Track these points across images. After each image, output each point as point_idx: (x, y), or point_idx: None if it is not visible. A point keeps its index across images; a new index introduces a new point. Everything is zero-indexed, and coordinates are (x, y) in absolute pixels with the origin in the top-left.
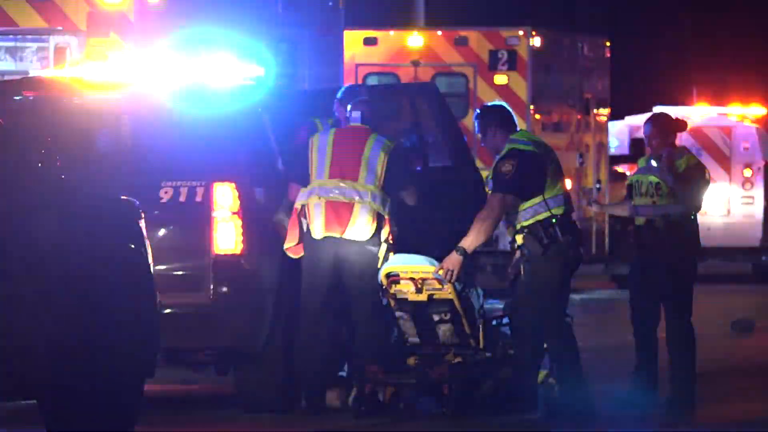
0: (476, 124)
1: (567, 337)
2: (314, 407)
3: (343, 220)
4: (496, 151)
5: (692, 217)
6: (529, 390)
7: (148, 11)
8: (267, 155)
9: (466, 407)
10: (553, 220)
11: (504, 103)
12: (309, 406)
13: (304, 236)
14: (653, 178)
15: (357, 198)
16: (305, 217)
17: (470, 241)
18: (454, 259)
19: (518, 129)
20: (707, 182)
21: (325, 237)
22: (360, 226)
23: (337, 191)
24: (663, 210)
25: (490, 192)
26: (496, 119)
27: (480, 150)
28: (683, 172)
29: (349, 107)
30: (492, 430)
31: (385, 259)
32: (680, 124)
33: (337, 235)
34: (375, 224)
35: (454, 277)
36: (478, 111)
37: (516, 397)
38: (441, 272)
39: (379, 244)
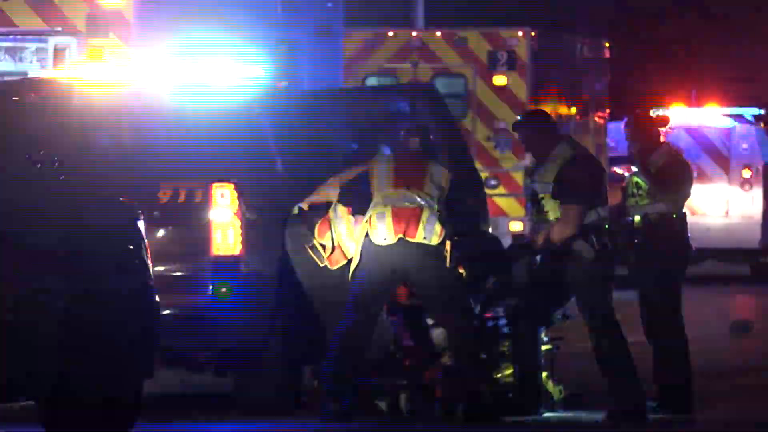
0: (522, 130)
1: (619, 336)
2: (342, 413)
3: (410, 223)
4: (540, 157)
5: (674, 216)
6: (530, 391)
7: (147, 12)
8: (266, 156)
9: (459, 409)
10: (606, 226)
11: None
12: (338, 413)
13: (364, 247)
14: (636, 178)
15: (424, 204)
16: (368, 229)
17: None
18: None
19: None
20: (687, 179)
21: (390, 241)
22: (428, 231)
23: (403, 198)
24: (643, 210)
25: (563, 202)
26: (548, 123)
27: (479, 151)
28: (659, 171)
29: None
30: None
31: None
32: (660, 121)
33: (402, 237)
34: (442, 230)
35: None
36: (522, 117)
37: (517, 398)
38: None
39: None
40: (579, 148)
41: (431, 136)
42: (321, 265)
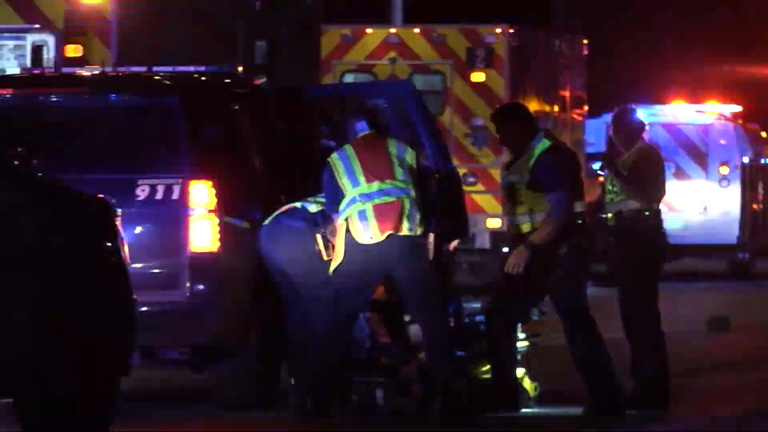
0: (498, 122)
1: (594, 333)
2: (321, 411)
3: (394, 218)
4: (516, 150)
5: (647, 213)
6: (507, 388)
7: (125, 9)
8: (244, 153)
9: (435, 405)
10: (579, 221)
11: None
12: (316, 409)
13: (348, 245)
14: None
15: (402, 194)
16: (350, 228)
17: (540, 237)
18: (522, 254)
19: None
20: (660, 176)
21: (378, 240)
22: (412, 221)
23: (380, 193)
24: (617, 207)
25: (547, 191)
26: (525, 115)
27: (456, 148)
28: (631, 168)
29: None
30: (467, 430)
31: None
32: (640, 124)
33: (391, 233)
34: (422, 218)
35: (520, 270)
36: (499, 109)
37: (494, 394)
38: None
39: (428, 237)
40: (556, 141)
41: (379, 116)
42: (326, 258)
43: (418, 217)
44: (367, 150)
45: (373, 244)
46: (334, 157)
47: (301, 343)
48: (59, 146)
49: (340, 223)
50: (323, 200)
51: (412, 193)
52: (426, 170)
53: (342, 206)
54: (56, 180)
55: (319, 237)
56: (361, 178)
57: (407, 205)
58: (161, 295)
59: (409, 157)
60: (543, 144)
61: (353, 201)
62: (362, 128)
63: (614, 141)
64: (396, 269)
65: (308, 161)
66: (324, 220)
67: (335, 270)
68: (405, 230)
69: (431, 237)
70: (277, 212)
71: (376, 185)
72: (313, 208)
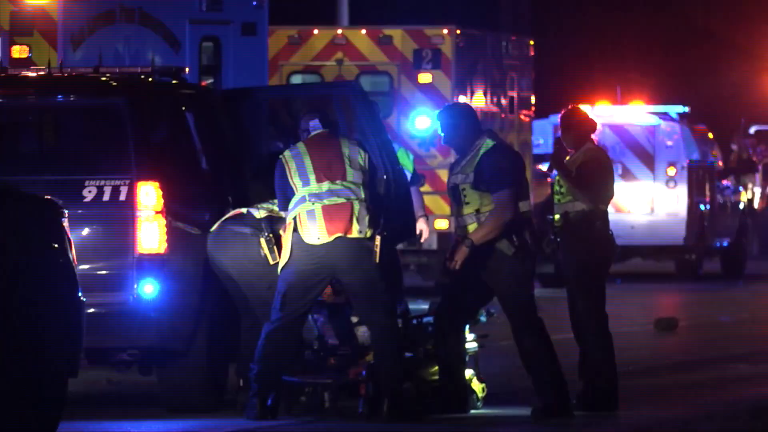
0: (443, 122)
1: (542, 334)
2: (269, 412)
3: (343, 220)
4: (461, 149)
5: (594, 214)
6: (455, 389)
7: (71, 10)
8: (191, 154)
9: (383, 407)
10: (525, 221)
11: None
12: (265, 410)
13: (295, 244)
14: (559, 177)
15: (353, 196)
16: (298, 227)
17: (480, 235)
18: (462, 251)
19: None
20: (607, 178)
21: (325, 241)
22: (362, 223)
23: (330, 194)
24: (563, 208)
25: (489, 191)
26: (469, 115)
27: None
28: (578, 169)
29: (303, 119)
30: (417, 430)
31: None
32: (592, 124)
33: (340, 235)
34: (371, 219)
35: (457, 266)
36: (443, 109)
37: (442, 396)
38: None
39: (374, 239)
40: (500, 141)
41: (332, 117)
42: (272, 262)
43: (367, 219)
44: (320, 149)
45: (321, 245)
46: (287, 155)
47: (249, 345)
48: (6, 147)
49: (288, 221)
50: (269, 206)
51: (363, 195)
52: (374, 171)
53: (291, 205)
54: (2, 181)
55: (263, 241)
56: (312, 178)
57: (357, 207)
58: (109, 297)
59: (362, 158)
60: (487, 144)
61: (302, 200)
62: (315, 127)
63: (563, 141)
64: (344, 271)
65: (256, 162)
66: (276, 219)
67: (282, 270)
68: (355, 233)
69: (378, 239)
70: (223, 218)
71: (326, 185)
72: (259, 213)
